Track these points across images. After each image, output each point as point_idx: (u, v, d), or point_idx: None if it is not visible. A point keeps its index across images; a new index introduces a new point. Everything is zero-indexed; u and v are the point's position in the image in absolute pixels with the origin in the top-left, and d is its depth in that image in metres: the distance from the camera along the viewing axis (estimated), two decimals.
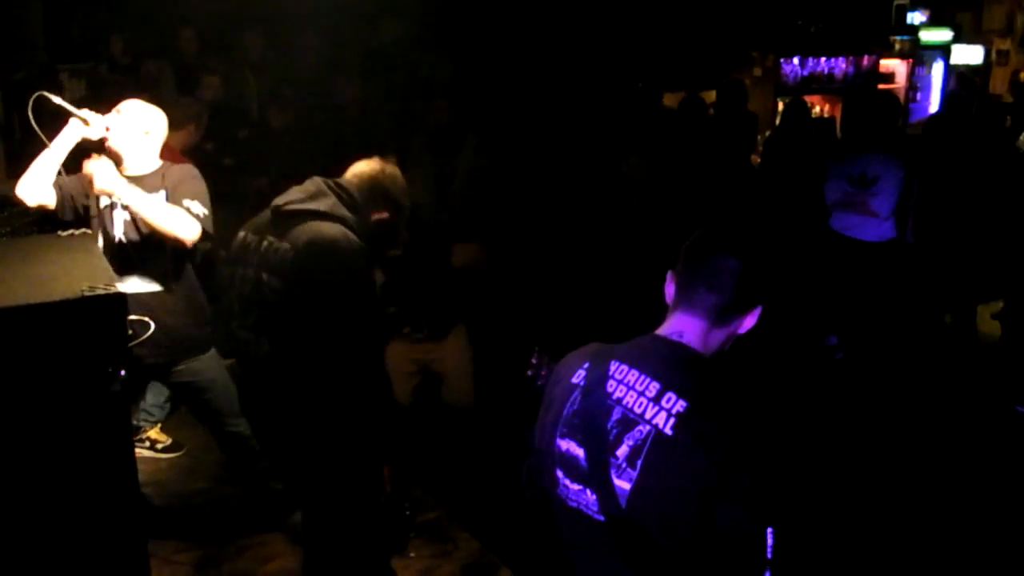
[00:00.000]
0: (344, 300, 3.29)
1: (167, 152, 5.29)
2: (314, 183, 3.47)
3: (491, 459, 4.64)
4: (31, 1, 8.41)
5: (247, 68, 8.17)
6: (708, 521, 1.93)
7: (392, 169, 3.59)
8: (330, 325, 3.28)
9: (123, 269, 3.88)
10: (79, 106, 4.03)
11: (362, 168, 3.56)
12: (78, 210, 4.04)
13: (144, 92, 6.90)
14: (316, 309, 3.27)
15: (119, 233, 4.09)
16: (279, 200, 3.44)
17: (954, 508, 4.87)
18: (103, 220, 4.08)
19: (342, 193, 3.44)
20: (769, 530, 1.91)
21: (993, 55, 13.70)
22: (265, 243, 3.38)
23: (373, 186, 3.51)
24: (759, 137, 8.91)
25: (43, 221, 4.65)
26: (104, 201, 4.06)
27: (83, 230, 3.05)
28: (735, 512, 1.91)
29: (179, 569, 4.36)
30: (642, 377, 2.02)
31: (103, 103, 5.83)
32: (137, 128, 4.12)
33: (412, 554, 4.42)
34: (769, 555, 1.92)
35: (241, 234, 3.53)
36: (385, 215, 3.55)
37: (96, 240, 3.83)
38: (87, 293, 2.29)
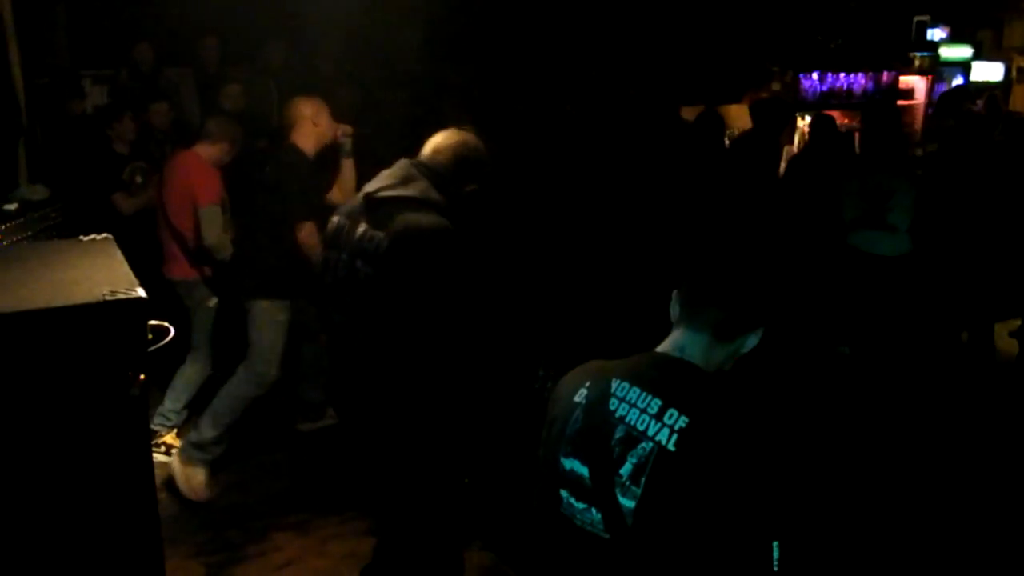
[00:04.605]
0: (438, 291, 3.28)
1: (196, 164, 5.39)
2: (402, 167, 3.47)
3: (504, 470, 4.64)
4: (55, 7, 8.47)
5: (268, 77, 8.22)
6: (714, 537, 1.93)
7: (471, 138, 3.61)
8: (422, 315, 3.28)
9: None
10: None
11: (443, 143, 3.55)
12: None
13: (165, 99, 7.03)
14: (409, 299, 3.27)
15: None
16: (370, 186, 3.44)
17: (967, 525, 4.84)
18: None
19: (431, 175, 3.44)
20: (775, 544, 1.91)
21: (1014, 72, 13.64)
22: (359, 230, 3.38)
23: (458, 162, 3.51)
24: (787, 149, 8.92)
25: (63, 226, 4.70)
26: None
27: (104, 235, 3.06)
28: (740, 527, 1.91)
29: (193, 573, 4.38)
30: (643, 394, 2.02)
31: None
32: None
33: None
34: (776, 568, 1.92)
35: (335, 219, 3.55)
36: (474, 187, 3.57)
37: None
38: (108, 297, 2.30)
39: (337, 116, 5.21)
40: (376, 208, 3.37)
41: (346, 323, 3.46)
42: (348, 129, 5.25)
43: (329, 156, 5.25)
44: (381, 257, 3.28)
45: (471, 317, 3.45)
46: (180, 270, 5.51)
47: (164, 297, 5.12)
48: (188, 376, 5.51)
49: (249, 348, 5.07)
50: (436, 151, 3.53)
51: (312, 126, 5.03)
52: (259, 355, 5.03)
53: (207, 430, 5.01)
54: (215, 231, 5.29)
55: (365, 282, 3.33)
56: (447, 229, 3.32)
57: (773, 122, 7.63)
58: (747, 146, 7.53)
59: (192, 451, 4.98)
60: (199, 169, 5.41)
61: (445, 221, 3.34)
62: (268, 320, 5.00)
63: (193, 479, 4.99)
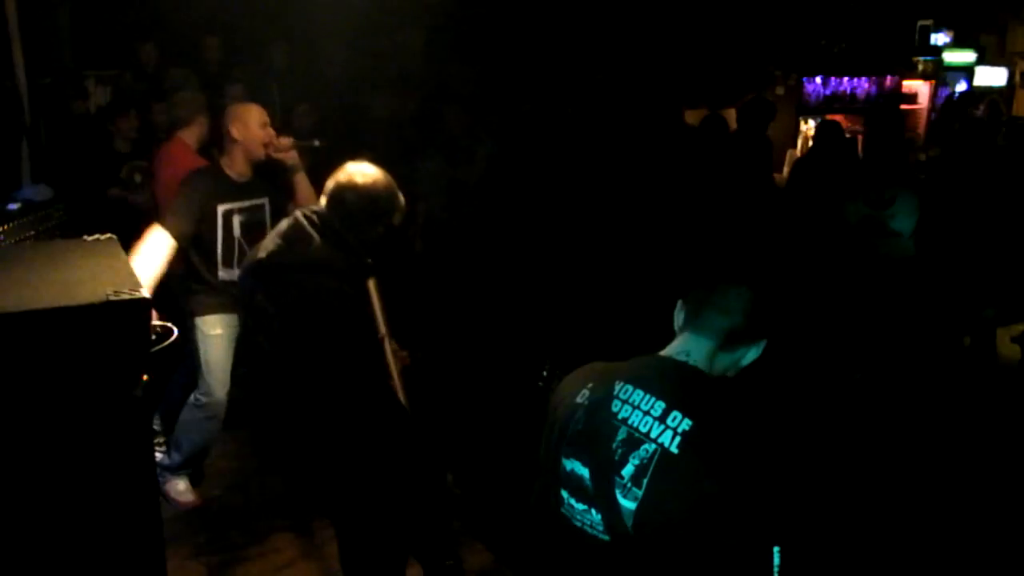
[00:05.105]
0: (334, 351, 3.29)
1: (184, 155, 5.30)
2: (290, 224, 3.44)
3: (505, 469, 4.64)
4: (58, 7, 8.49)
5: (271, 78, 8.22)
6: (714, 540, 1.93)
7: (367, 179, 3.44)
8: (326, 379, 3.31)
9: (236, 262, 4.51)
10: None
11: (334, 190, 3.44)
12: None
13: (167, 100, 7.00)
14: (310, 367, 3.30)
15: (237, 234, 4.56)
16: (261, 251, 3.43)
17: (969, 531, 4.84)
18: (226, 222, 4.55)
19: (325, 228, 3.38)
20: (776, 549, 1.91)
21: (1017, 77, 13.63)
22: (256, 299, 3.39)
23: (349, 211, 3.40)
24: (790, 153, 8.93)
25: (67, 226, 4.69)
26: (223, 208, 4.52)
27: (108, 235, 3.06)
28: (740, 531, 1.91)
29: (194, 573, 4.38)
30: (647, 396, 2.03)
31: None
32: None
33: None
34: (775, 574, 1.92)
35: (240, 275, 3.62)
36: (381, 230, 3.47)
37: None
38: (112, 298, 2.30)
39: (297, 129, 4.93)
40: (269, 277, 3.37)
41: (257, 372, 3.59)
42: (285, 143, 4.64)
43: (278, 173, 4.79)
44: (275, 330, 3.32)
45: (369, 369, 3.46)
46: (177, 265, 5.41)
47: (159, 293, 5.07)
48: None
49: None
50: (327, 201, 3.45)
51: (234, 143, 4.58)
52: (202, 377, 4.77)
53: (174, 456, 4.97)
54: None
55: (265, 354, 3.41)
56: (334, 291, 3.29)
57: (757, 120, 7.67)
58: (736, 145, 7.57)
59: (165, 473, 4.95)
60: (189, 160, 5.25)
61: (334, 282, 3.30)
62: (203, 336, 4.72)
63: (173, 489, 4.98)
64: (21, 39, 5.93)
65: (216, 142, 5.14)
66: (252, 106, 4.72)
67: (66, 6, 8.59)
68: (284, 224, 3.49)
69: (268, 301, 3.33)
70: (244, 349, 3.75)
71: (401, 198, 3.52)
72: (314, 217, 3.40)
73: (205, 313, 4.71)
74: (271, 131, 4.64)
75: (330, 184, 3.44)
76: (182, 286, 4.77)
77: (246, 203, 4.63)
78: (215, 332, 4.72)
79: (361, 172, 3.44)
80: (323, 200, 3.46)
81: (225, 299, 4.64)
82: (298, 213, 3.46)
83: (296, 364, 3.31)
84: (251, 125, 4.57)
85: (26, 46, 5.99)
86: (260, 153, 4.59)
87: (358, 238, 3.41)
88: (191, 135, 5.40)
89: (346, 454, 3.41)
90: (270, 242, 3.44)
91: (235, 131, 4.56)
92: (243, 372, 4.88)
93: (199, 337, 4.73)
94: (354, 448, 3.40)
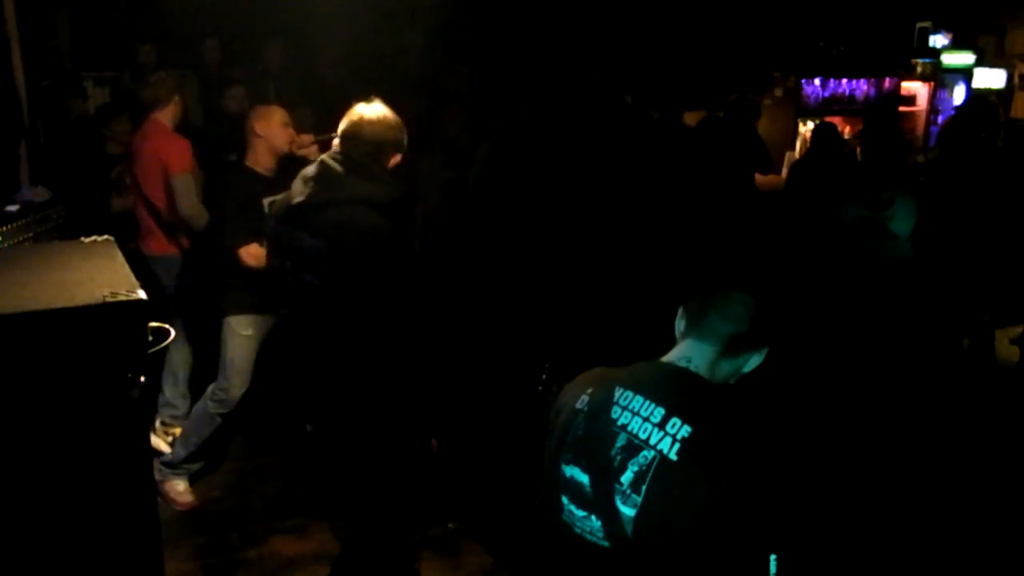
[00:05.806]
0: (381, 284, 3.35)
1: (161, 131, 5.31)
2: (321, 167, 3.51)
3: (505, 472, 4.64)
4: (57, 9, 8.48)
5: (268, 79, 8.22)
6: (711, 547, 1.93)
7: (373, 113, 3.56)
8: (371, 311, 3.35)
9: None
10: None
11: (345, 129, 3.56)
12: None
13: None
14: (355, 298, 3.34)
15: None
16: (299, 195, 3.48)
17: (969, 536, 4.83)
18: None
19: (351, 164, 3.47)
20: (772, 557, 1.91)
21: (1016, 79, 13.61)
22: (298, 238, 3.44)
23: (371, 142, 3.52)
24: (789, 156, 8.96)
25: (65, 227, 4.70)
26: (268, 201, 4.55)
27: (105, 236, 3.06)
28: (738, 538, 1.91)
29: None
30: (646, 403, 2.03)
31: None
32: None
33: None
34: None
35: (270, 225, 3.65)
36: (398, 158, 3.59)
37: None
38: (108, 299, 2.30)
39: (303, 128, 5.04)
40: (311, 215, 3.42)
41: (294, 320, 3.65)
42: (307, 139, 4.93)
43: (297, 168, 5.03)
44: (323, 265, 3.36)
45: (413, 301, 3.53)
46: (159, 245, 5.41)
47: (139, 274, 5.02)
48: (177, 361, 5.44)
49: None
50: (344, 139, 3.56)
51: (258, 138, 4.78)
52: (223, 371, 4.86)
53: (179, 450, 4.99)
54: (190, 200, 5.13)
55: (309, 288, 3.42)
56: (376, 222, 3.39)
57: (743, 119, 7.70)
58: (725, 145, 7.62)
59: (165, 469, 4.95)
60: (167, 137, 5.31)
61: (374, 214, 3.39)
62: (232, 335, 4.82)
63: (173, 489, 4.98)
64: (20, 40, 5.92)
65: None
66: (275, 107, 4.96)
67: (65, 7, 8.59)
68: (311, 169, 3.56)
69: (314, 238, 3.39)
70: (280, 295, 3.77)
71: (404, 128, 3.65)
72: (338, 157, 3.52)
73: (238, 312, 4.81)
74: (292, 131, 4.85)
75: (343, 125, 3.58)
76: (218, 282, 4.87)
77: (279, 196, 4.74)
78: (246, 332, 4.82)
79: (368, 108, 3.58)
80: (337, 143, 3.58)
81: (257, 298, 4.71)
82: (323, 157, 3.56)
83: (345, 294, 3.35)
84: (273, 123, 4.79)
85: (25, 47, 5.98)
86: (283, 148, 4.80)
87: (380, 167, 3.53)
88: (167, 115, 5.40)
89: (382, 383, 3.44)
90: (301, 186, 3.51)
91: (259, 127, 4.77)
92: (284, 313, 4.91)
93: (228, 335, 4.82)
94: (386, 377, 3.43)
